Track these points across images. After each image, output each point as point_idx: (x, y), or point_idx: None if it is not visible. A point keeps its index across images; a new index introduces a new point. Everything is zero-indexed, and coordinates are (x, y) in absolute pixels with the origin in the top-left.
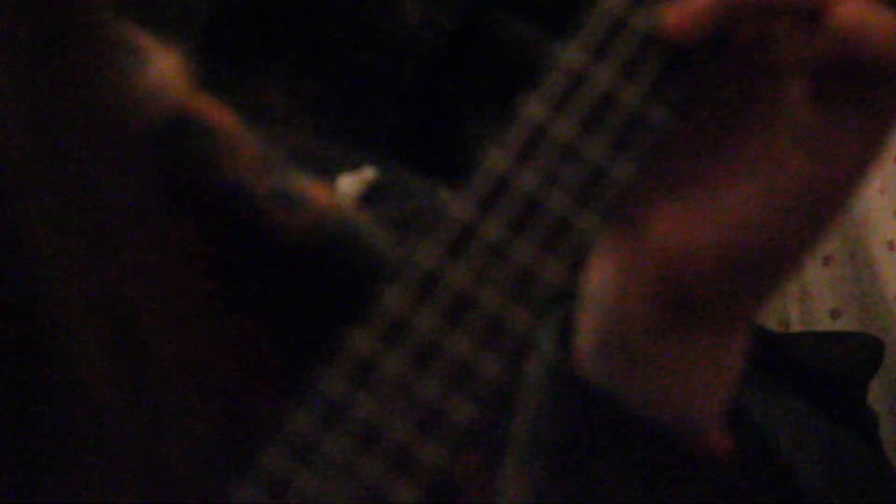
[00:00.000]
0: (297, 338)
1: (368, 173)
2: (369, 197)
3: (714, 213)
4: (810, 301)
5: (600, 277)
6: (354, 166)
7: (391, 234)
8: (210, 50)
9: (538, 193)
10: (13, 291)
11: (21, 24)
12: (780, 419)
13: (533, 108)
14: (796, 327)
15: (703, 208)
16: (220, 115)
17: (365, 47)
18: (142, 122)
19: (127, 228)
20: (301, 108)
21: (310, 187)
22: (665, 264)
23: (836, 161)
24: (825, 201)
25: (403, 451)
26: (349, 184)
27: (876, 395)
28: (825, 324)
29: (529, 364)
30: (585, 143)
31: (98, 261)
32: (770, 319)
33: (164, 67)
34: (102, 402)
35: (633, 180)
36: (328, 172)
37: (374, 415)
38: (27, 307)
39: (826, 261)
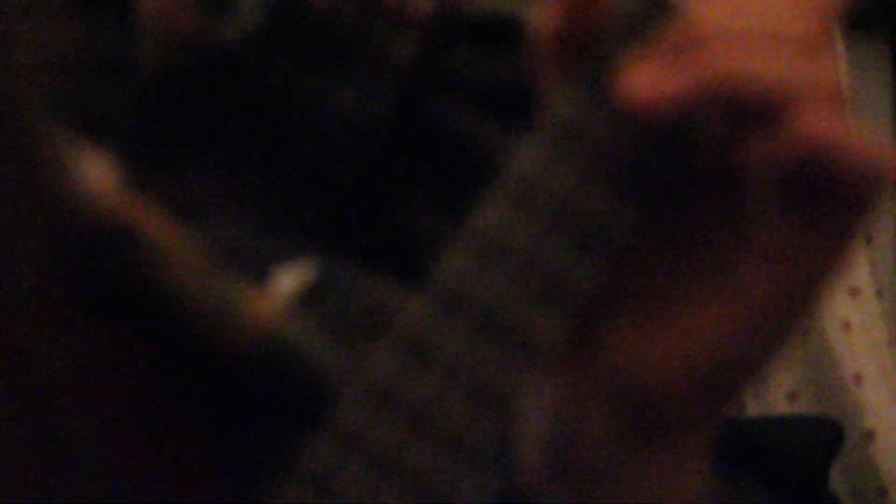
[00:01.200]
0: (237, 453)
1: (309, 268)
2: (310, 293)
3: (675, 330)
4: (766, 384)
5: (555, 400)
6: (294, 262)
7: (334, 338)
8: (140, 143)
9: (498, 299)
10: None
11: None
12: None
13: (488, 215)
14: (752, 411)
15: (665, 325)
16: (156, 224)
17: (300, 138)
18: (74, 228)
19: (47, 334)
20: (236, 201)
21: (250, 297)
22: (625, 388)
23: (796, 280)
24: (779, 320)
25: None
26: (289, 280)
27: (837, 477)
28: (782, 407)
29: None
30: (546, 247)
31: (15, 366)
32: None
33: (97, 174)
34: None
35: (595, 288)
36: (266, 268)
37: None
38: None
39: None
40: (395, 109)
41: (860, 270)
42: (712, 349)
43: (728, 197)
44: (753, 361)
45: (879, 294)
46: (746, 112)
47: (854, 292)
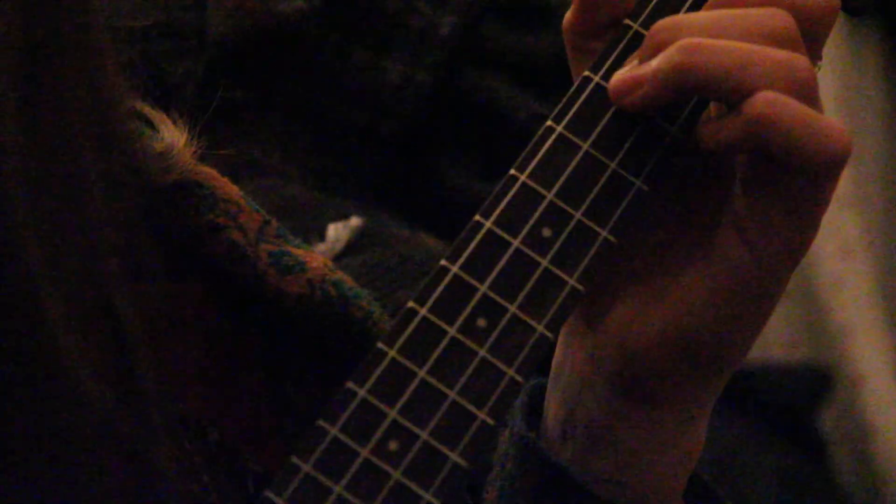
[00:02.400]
0: (291, 392)
1: (355, 221)
2: (356, 243)
3: (664, 302)
4: (765, 335)
5: (567, 361)
6: (342, 215)
7: (376, 289)
8: (205, 109)
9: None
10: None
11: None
12: (738, 445)
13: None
14: (752, 357)
15: (655, 297)
16: (222, 184)
17: (351, 104)
18: (151, 183)
19: (127, 285)
20: (292, 161)
21: (304, 254)
22: (623, 351)
23: (767, 249)
24: (759, 288)
25: None
26: (338, 231)
27: (830, 423)
28: (778, 353)
29: (501, 437)
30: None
31: (100, 320)
32: None
33: (172, 138)
34: (91, 405)
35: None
36: (318, 221)
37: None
38: (19, 317)
39: None
40: (436, 79)
41: (852, 230)
42: (693, 320)
43: (705, 174)
44: (730, 334)
45: (870, 252)
46: (712, 94)
47: (846, 251)
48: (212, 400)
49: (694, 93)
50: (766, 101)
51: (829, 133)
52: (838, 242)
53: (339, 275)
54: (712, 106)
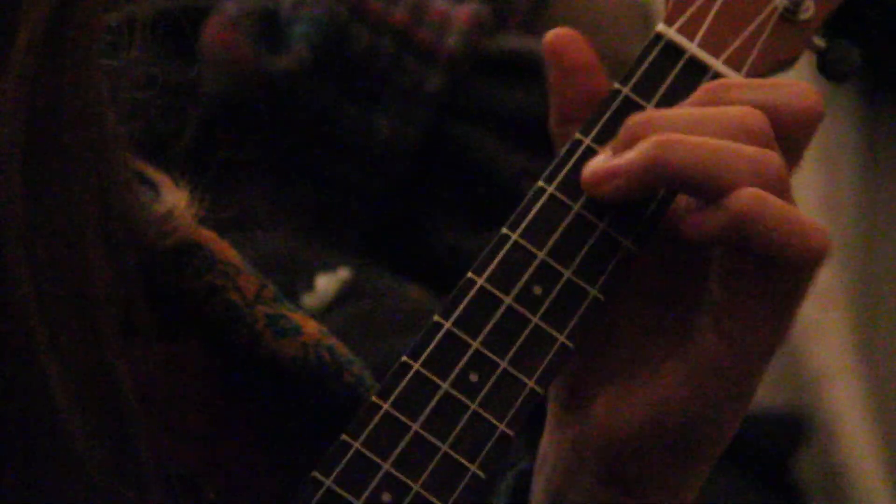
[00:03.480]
0: (285, 452)
1: (343, 273)
2: (344, 295)
3: (644, 393)
4: None
5: (550, 451)
6: (331, 267)
7: (363, 340)
8: (197, 163)
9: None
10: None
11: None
12: (714, 492)
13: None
14: None
15: (636, 388)
16: (222, 247)
17: (340, 158)
18: (150, 245)
19: (123, 343)
20: (282, 213)
21: (300, 318)
22: (606, 441)
23: (743, 340)
24: (737, 377)
25: None
26: (326, 283)
27: (806, 469)
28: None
29: None
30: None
31: (95, 363)
32: None
33: (173, 200)
34: (84, 462)
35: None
36: (307, 272)
37: None
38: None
39: None
40: (425, 134)
41: (829, 275)
42: (677, 406)
43: (683, 265)
44: (707, 425)
45: (847, 301)
46: (687, 189)
47: (822, 295)
48: (207, 459)
49: (667, 186)
50: (750, 197)
51: (809, 232)
52: (816, 291)
53: (333, 340)
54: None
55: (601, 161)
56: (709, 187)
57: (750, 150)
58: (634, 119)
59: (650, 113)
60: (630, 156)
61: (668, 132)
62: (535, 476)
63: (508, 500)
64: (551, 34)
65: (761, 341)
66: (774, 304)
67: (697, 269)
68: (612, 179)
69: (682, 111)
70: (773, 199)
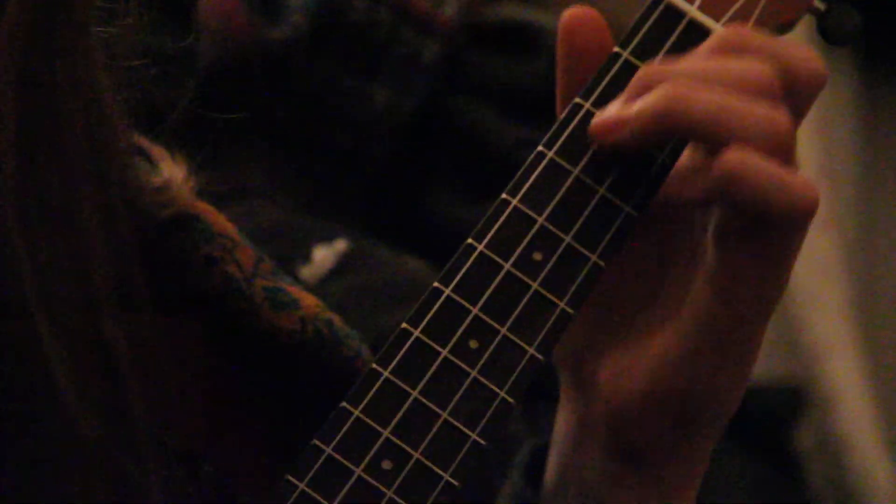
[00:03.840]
0: (283, 426)
1: (341, 244)
2: (341, 266)
3: (645, 360)
4: None
5: (563, 425)
6: (328, 238)
7: (360, 311)
8: (192, 133)
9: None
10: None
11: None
12: (714, 461)
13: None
14: None
15: (637, 356)
16: (219, 220)
17: (337, 129)
18: (147, 217)
19: (119, 316)
20: (278, 184)
21: (297, 292)
22: (611, 411)
23: (740, 300)
24: (735, 339)
25: None
26: (323, 254)
27: (805, 440)
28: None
29: (502, 493)
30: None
31: (94, 345)
32: None
33: (170, 172)
34: (81, 432)
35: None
36: (304, 243)
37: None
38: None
39: None
40: (422, 104)
41: (829, 251)
42: (678, 371)
43: (679, 227)
44: (706, 387)
45: (845, 271)
46: (691, 139)
47: (822, 271)
48: (205, 433)
49: (674, 137)
50: (736, 159)
51: (796, 189)
52: (814, 262)
53: (332, 314)
54: (687, 156)
55: (611, 110)
56: (714, 140)
57: (759, 109)
58: (647, 70)
59: (661, 65)
60: (639, 105)
61: (680, 84)
62: (550, 452)
63: (522, 473)
64: (570, 12)
65: (756, 299)
66: (767, 262)
67: (692, 231)
68: (621, 128)
69: (693, 63)
70: (759, 159)
